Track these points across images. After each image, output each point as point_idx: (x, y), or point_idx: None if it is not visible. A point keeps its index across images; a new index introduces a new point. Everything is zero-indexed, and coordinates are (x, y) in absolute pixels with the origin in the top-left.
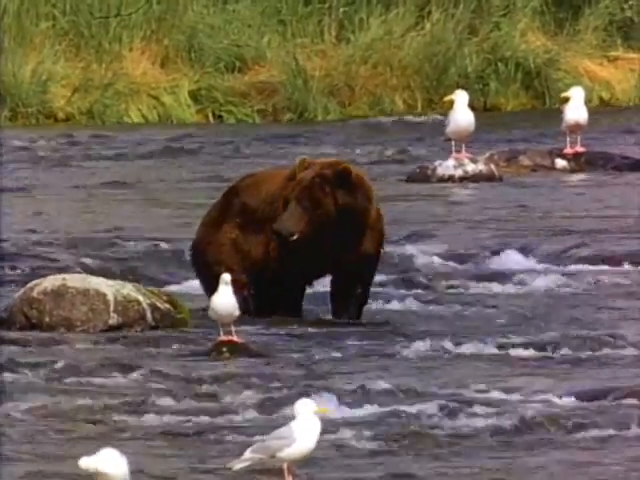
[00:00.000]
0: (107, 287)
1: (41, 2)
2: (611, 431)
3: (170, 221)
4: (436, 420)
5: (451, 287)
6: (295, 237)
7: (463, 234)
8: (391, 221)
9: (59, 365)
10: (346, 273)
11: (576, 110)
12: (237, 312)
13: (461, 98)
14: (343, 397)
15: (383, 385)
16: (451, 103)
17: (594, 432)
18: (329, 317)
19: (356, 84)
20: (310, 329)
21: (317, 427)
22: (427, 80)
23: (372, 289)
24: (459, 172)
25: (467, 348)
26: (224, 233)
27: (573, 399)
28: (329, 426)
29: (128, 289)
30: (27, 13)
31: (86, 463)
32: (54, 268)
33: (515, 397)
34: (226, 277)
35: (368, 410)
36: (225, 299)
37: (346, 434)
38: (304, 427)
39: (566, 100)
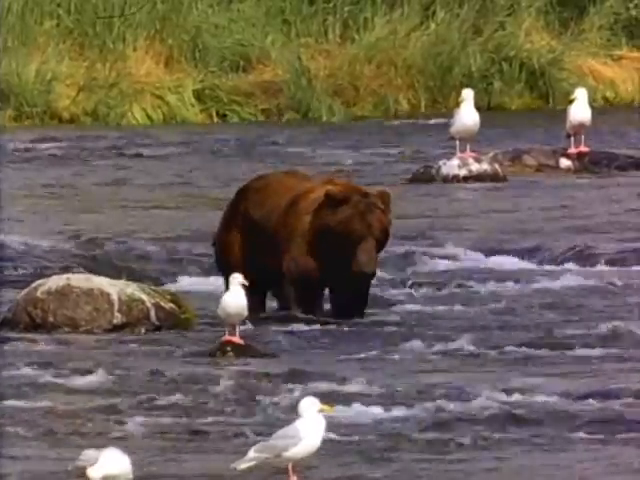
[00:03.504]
0: (111, 287)
1: (45, 1)
2: (611, 430)
3: (174, 220)
4: (437, 420)
5: (454, 286)
6: None
7: (467, 234)
8: (395, 221)
9: (63, 365)
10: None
11: (580, 110)
12: (246, 312)
13: (468, 97)
14: (345, 397)
15: (385, 385)
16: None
17: (593, 431)
18: (332, 318)
19: (360, 84)
20: (313, 329)
21: (322, 426)
22: (431, 80)
23: (375, 289)
24: (463, 172)
25: (468, 348)
26: (232, 233)
27: (574, 398)
28: (330, 426)
29: (132, 288)
30: (31, 12)
31: (94, 472)
32: (58, 268)
33: (516, 396)
34: (237, 277)
35: (371, 410)
36: (235, 299)
37: (347, 434)
38: (309, 426)
39: (573, 101)
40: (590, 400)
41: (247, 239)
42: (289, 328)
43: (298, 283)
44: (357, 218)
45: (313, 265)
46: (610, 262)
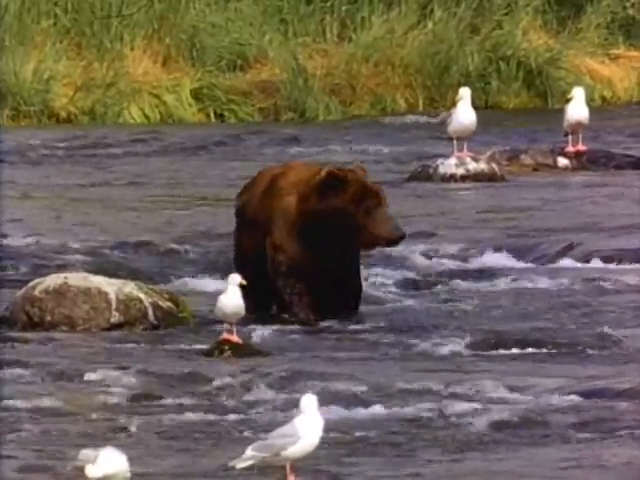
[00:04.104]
0: (109, 286)
1: (42, 0)
2: (610, 429)
3: (172, 219)
4: (435, 419)
5: (452, 286)
6: None
7: (465, 233)
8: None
9: (60, 364)
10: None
11: (578, 109)
12: (242, 312)
13: (466, 95)
14: (344, 396)
15: (384, 384)
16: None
17: (592, 431)
18: (331, 316)
19: (358, 83)
20: (311, 329)
21: (320, 424)
22: (429, 79)
23: (373, 288)
24: (461, 171)
25: (466, 347)
26: (236, 232)
27: (571, 397)
28: (329, 425)
29: (130, 287)
30: (28, 11)
31: (92, 472)
32: (55, 267)
33: (514, 395)
34: (235, 277)
35: (368, 409)
36: (232, 299)
37: (345, 433)
38: (308, 424)
39: (570, 100)
40: (590, 400)
41: (242, 235)
42: (287, 327)
43: (285, 269)
44: (366, 190)
45: (302, 249)
46: (609, 261)
